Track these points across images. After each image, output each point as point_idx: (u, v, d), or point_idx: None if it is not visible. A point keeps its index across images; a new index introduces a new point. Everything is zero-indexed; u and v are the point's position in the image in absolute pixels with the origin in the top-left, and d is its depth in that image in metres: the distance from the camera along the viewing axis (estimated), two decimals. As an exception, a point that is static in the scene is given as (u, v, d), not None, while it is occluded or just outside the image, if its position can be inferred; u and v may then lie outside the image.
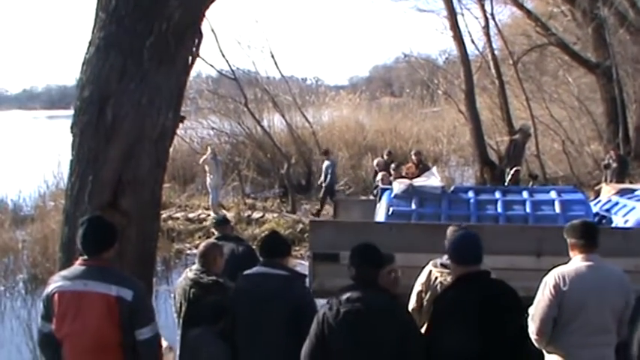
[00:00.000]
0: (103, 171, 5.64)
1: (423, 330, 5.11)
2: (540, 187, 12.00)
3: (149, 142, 5.77)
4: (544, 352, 5.17)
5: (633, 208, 9.51)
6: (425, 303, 5.83)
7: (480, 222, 9.15)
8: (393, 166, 15.31)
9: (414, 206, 9.59)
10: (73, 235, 5.06)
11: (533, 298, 5.13)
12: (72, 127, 5.83)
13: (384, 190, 10.39)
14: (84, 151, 5.71)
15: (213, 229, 8.06)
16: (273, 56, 29.13)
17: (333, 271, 7.32)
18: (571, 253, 5.14)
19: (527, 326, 5.01)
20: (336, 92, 38.52)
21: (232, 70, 24.41)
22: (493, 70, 23.40)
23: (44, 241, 14.24)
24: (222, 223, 7.96)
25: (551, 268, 5.13)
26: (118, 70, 5.59)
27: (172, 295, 6.74)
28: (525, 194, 9.80)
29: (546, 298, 4.98)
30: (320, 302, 5.13)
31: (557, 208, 9.29)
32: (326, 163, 19.68)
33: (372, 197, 14.77)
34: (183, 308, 6.11)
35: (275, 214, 19.31)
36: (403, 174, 14.94)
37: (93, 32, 5.75)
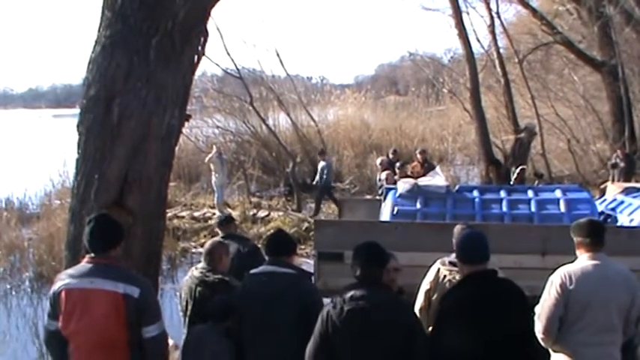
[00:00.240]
0: (109, 169, 5.66)
1: (431, 329, 5.12)
2: (545, 186, 11.96)
3: (155, 141, 5.79)
4: (550, 351, 5.17)
5: (639, 207, 9.50)
6: (433, 302, 5.83)
7: (485, 221, 9.14)
8: (398, 164, 15.30)
9: (419, 205, 9.58)
10: (79, 233, 5.08)
11: (538, 297, 5.12)
12: (78, 126, 5.85)
13: (389, 190, 10.39)
14: (90, 149, 5.73)
15: (217, 229, 8.02)
16: (278, 55, 29.35)
17: (338, 271, 7.33)
18: (577, 252, 5.13)
19: (533, 325, 5.01)
20: (341, 91, 38.45)
21: (238, 69, 24.44)
22: (498, 69, 23.32)
23: (50, 240, 14.26)
24: (225, 222, 7.95)
25: (557, 268, 5.12)
26: (124, 69, 5.60)
27: (178, 294, 6.74)
28: (530, 193, 9.78)
29: (552, 297, 4.97)
30: (325, 301, 5.13)
31: (563, 207, 9.28)
32: (322, 163, 19.59)
33: (377, 197, 14.81)
34: (189, 307, 6.12)
35: (280, 213, 19.32)
36: (408, 173, 14.95)
37: (99, 31, 5.76)
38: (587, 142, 25.38)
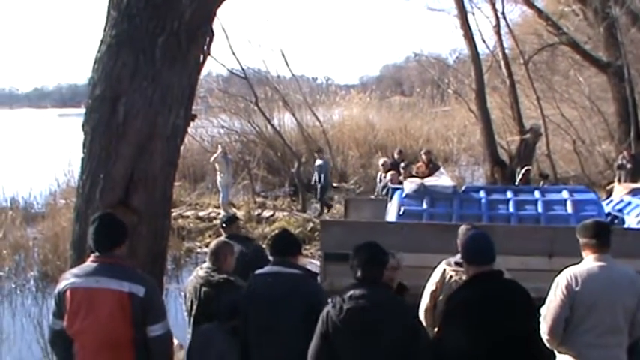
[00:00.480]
0: (115, 169, 5.66)
1: (437, 329, 5.11)
2: (552, 187, 11.92)
3: (160, 141, 5.78)
4: (556, 352, 5.15)
5: (646, 208, 9.48)
6: (439, 302, 5.82)
7: (491, 222, 9.13)
8: (402, 165, 15.28)
9: (425, 206, 9.56)
10: (84, 232, 5.08)
11: (544, 298, 5.12)
12: (83, 125, 5.85)
13: (395, 190, 10.37)
14: (95, 149, 5.73)
15: (220, 229, 8.03)
16: (283, 55, 29.31)
17: (344, 271, 7.31)
18: (583, 253, 5.12)
19: (539, 326, 4.99)
20: (346, 91, 38.49)
21: (243, 69, 24.43)
22: (504, 70, 23.28)
23: (55, 239, 14.28)
24: (229, 222, 7.94)
25: (563, 269, 5.11)
26: (130, 69, 5.60)
27: (183, 294, 6.75)
28: (537, 194, 9.75)
29: (558, 298, 4.96)
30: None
31: (569, 209, 9.25)
32: (319, 162, 19.63)
33: (378, 197, 14.81)
34: (194, 306, 6.12)
35: (285, 213, 19.33)
36: (413, 173, 14.93)
37: (105, 30, 5.76)
38: (592, 143, 25.34)
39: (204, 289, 6.06)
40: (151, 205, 5.84)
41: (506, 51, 24.33)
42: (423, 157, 16.96)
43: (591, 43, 24.81)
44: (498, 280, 4.91)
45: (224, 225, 7.93)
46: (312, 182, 19.86)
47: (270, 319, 5.17)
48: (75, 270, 4.75)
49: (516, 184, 16.64)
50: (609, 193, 12.12)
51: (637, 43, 23.71)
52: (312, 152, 21.71)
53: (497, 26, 23.21)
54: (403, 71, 76.58)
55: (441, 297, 5.79)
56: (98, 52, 5.79)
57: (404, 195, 9.79)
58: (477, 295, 4.77)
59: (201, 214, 19.28)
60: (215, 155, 19.70)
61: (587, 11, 23.14)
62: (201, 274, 6.17)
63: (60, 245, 13.53)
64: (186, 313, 6.38)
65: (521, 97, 24.71)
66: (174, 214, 16.08)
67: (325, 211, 19.27)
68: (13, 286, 13.56)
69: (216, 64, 25.84)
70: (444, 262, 6.07)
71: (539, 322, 5.00)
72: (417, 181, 10.15)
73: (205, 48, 6.06)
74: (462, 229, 6.27)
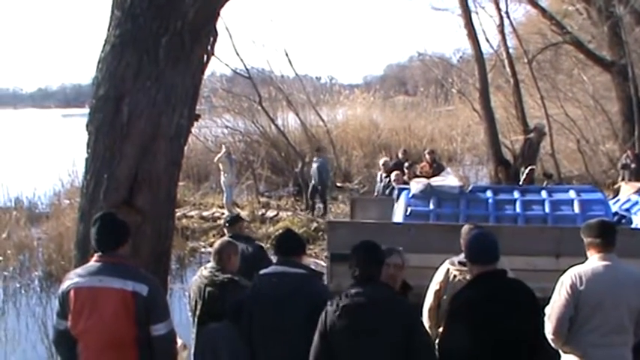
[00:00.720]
0: (119, 169, 5.66)
1: (441, 329, 5.10)
2: (559, 187, 11.88)
3: (164, 140, 5.79)
4: (560, 352, 5.15)
5: (654, 208, 9.46)
6: (443, 302, 5.81)
7: (498, 222, 9.12)
8: (406, 164, 15.27)
9: (432, 206, 9.54)
10: (88, 232, 5.08)
11: (548, 298, 5.11)
12: (87, 125, 5.86)
13: (401, 190, 10.35)
14: (99, 149, 5.74)
15: (224, 229, 8.03)
16: (287, 55, 29.37)
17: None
18: (588, 253, 5.12)
19: (543, 326, 4.99)
20: (350, 91, 38.46)
21: (247, 69, 24.46)
22: (508, 69, 23.28)
23: (59, 239, 14.29)
24: (232, 222, 7.93)
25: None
26: (134, 68, 5.61)
27: (187, 294, 6.75)
28: (544, 194, 9.72)
29: (563, 298, 4.95)
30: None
31: (577, 208, 9.21)
32: (319, 162, 19.50)
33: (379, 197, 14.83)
34: (198, 306, 6.12)
35: (289, 213, 19.30)
36: (417, 173, 14.93)
37: (108, 30, 5.77)
38: (596, 143, 25.29)
39: (208, 288, 6.06)
40: (154, 205, 5.84)
41: (510, 50, 24.38)
42: (427, 156, 16.95)
43: (595, 42, 24.78)
44: (502, 280, 4.90)
45: (227, 225, 7.93)
46: (313, 182, 19.61)
47: (276, 318, 5.17)
48: (78, 270, 4.77)
49: (520, 183, 16.60)
50: (616, 193, 12.07)
51: (641, 42, 23.67)
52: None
53: (501, 25, 23.22)
54: (407, 71, 76.59)
55: (444, 297, 5.79)
56: (102, 52, 5.80)
57: (410, 195, 9.76)
58: (481, 294, 4.76)
59: (205, 213, 19.28)
60: (219, 155, 19.69)
61: (591, 10, 23.11)
62: (206, 274, 6.17)
63: (64, 245, 13.53)
64: (190, 313, 6.38)
65: (525, 97, 24.67)
66: (178, 214, 16.07)
67: (322, 212, 19.12)
68: (18, 286, 13.56)
69: (220, 64, 25.94)
70: (447, 261, 6.07)
71: (543, 322, 4.99)
72: (424, 181, 10.12)
73: (209, 48, 6.06)
74: (465, 228, 6.26)
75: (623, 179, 17.72)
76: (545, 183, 15.82)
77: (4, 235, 15.33)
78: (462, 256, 5.63)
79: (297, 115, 26.51)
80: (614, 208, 10.02)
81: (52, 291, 12.40)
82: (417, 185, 9.88)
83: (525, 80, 25.06)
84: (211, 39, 6.04)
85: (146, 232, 5.79)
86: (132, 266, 4.77)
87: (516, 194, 9.74)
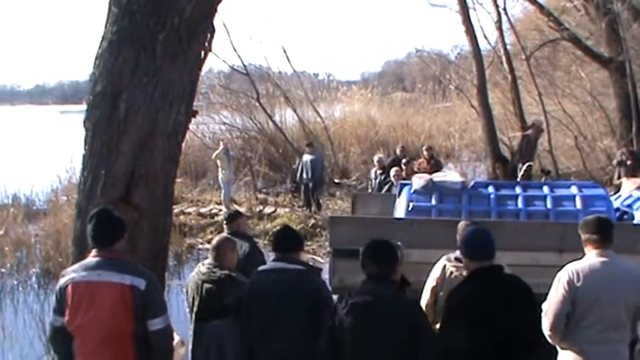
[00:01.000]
0: (116, 165, 5.66)
1: (438, 325, 5.11)
2: (561, 183, 11.87)
3: (162, 137, 5.79)
4: (558, 348, 5.15)
5: (656, 204, 9.46)
6: (439, 298, 5.82)
7: (500, 218, 9.11)
8: (404, 161, 15.27)
9: (434, 202, 9.51)
10: (86, 229, 5.08)
11: (545, 294, 5.12)
12: (85, 122, 5.86)
13: (403, 186, 10.34)
14: (97, 145, 5.74)
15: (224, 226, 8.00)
16: (285, 51, 29.34)
17: (354, 268, 7.31)
18: (585, 249, 5.13)
19: (540, 321, 4.99)
20: (347, 87, 38.32)
21: (244, 65, 24.47)
22: (505, 65, 23.27)
23: (57, 236, 14.27)
24: (230, 219, 7.89)
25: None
26: (131, 65, 5.61)
27: (184, 290, 6.75)
28: (546, 190, 9.71)
29: (560, 294, 4.96)
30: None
31: (579, 204, 9.19)
32: (308, 156, 19.32)
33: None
34: (196, 303, 6.13)
35: (287, 209, 19.29)
36: (415, 169, 14.93)
37: (106, 27, 5.76)
38: (594, 139, 25.28)
39: (205, 285, 6.07)
40: (152, 202, 5.84)
41: (508, 47, 24.33)
42: (425, 153, 17.00)
43: (593, 39, 24.74)
44: (499, 276, 4.91)
45: (226, 221, 7.92)
46: (305, 177, 19.22)
47: (275, 314, 5.19)
48: (76, 266, 4.78)
49: (518, 180, 16.61)
50: (618, 189, 12.07)
51: (639, 39, 23.64)
52: (315, 149, 21.50)
53: (499, 22, 23.22)
54: (405, 67, 76.51)
55: (441, 293, 5.80)
56: (99, 48, 5.80)
57: (412, 191, 9.76)
58: (478, 291, 4.77)
59: (202, 210, 19.27)
60: (217, 151, 19.68)
61: (589, 7, 23.06)
62: (203, 271, 6.17)
63: (62, 242, 13.51)
64: (187, 310, 6.38)
65: (523, 93, 24.67)
66: (175, 211, 16.04)
67: (314, 209, 18.97)
68: (15, 283, 13.55)
69: (218, 60, 25.92)
70: (444, 257, 6.08)
71: (540, 318, 5.00)
72: (426, 176, 10.09)
73: (206, 44, 6.06)
74: (462, 224, 6.28)
75: (619, 176, 17.75)
76: (543, 179, 15.84)
77: (1, 232, 15.28)
78: (458, 253, 5.63)
79: (295, 111, 26.52)
80: (616, 204, 10.01)
81: (50, 288, 12.38)
82: (418, 181, 9.87)
83: (523, 77, 25.05)
84: (208, 35, 6.03)
85: (143, 229, 5.79)
86: (129, 261, 4.79)
87: (518, 190, 9.71)
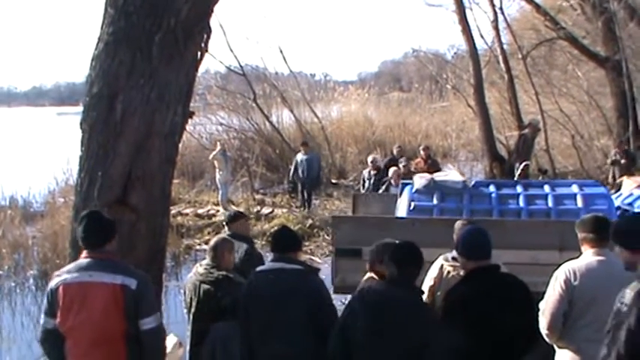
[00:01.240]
0: (113, 167, 5.65)
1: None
2: (562, 181, 11.88)
3: (158, 138, 5.78)
4: (555, 347, 5.16)
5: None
6: (437, 297, 5.82)
7: (502, 216, 9.12)
8: (401, 161, 15.26)
9: (435, 201, 9.53)
10: (83, 231, 5.09)
11: (543, 293, 5.12)
12: (81, 123, 5.85)
13: (404, 185, 10.36)
14: (93, 147, 5.73)
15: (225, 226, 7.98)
16: (281, 52, 29.51)
17: (356, 267, 7.30)
18: (582, 248, 5.13)
19: (537, 320, 5.00)
20: (344, 87, 38.35)
21: (241, 66, 24.48)
22: (502, 65, 23.31)
23: (54, 237, 14.26)
24: (230, 220, 7.87)
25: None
26: (127, 66, 5.60)
27: (182, 291, 6.75)
28: (547, 188, 9.72)
29: (557, 293, 4.96)
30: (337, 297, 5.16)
31: (580, 202, 9.20)
32: (301, 156, 19.17)
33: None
34: (194, 303, 6.14)
35: (284, 210, 19.28)
36: (412, 169, 14.94)
37: (102, 28, 5.76)
38: (591, 138, 25.30)
39: (203, 286, 6.08)
40: (149, 203, 5.84)
41: (505, 46, 24.38)
42: (422, 152, 17.02)
43: (589, 38, 24.79)
44: (496, 275, 4.92)
45: (226, 222, 7.91)
46: (301, 176, 19.08)
47: (274, 315, 5.20)
48: (68, 267, 4.81)
49: (515, 179, 16.63)
50: (618, 187, 12.10)
51: (635, 38, 23.67)
52: (312, 149, 21.44)
53: (496, 21, 23.24)
54: (401, 67, 76.65)
55: (439, 292, 5.80)
56: (95, 50, 5.79)
57: (414, 190, 9.77)
58: (474, 290, 4.78)
59: (200, 211, 19.23)
60: (214, 152, 19.67)
61: (586, 6, 23.12)
62: (201, 271, 6.18)
63: (59, 244, 13.52)
64: (185, 310, 6.38)
65: (520, 92, 24.71)
66: (173, 212, 16.04)
67: (306, 209, 18.88)
68: (13, 284, 13.54)
69: (214, 61, 25.83)
70: (441, 257, 6.09)
71: (537, 316, 5.00)
72: (427, 176, 10.12)
73: (203, 45, 6.05)
74: (458, 223, 6.30)
75: (613, 175, 17.81)
76: (540, 178, 15.85)
77: (-2, 234, 15.31)
78: (455, 252, 5.64)
79: (292, 111, 26.54)
80: (617, 203, 10.03)
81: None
82: (420, 180, 9.89)
83: (520, 76, 25.08)
84: (205, 36, 6.03)
85: (141, 230, 5.79)
86: (120, 261, 4.81)
87: (519, 189, 9.73)
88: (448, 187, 9.73)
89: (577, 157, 23.70)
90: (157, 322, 4.74)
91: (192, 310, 6.16)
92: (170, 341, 7.55)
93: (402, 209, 9.80)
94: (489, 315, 4.62)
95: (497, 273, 4.94)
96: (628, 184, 11.08)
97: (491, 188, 9.76)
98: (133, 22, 5.57)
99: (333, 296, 6.37)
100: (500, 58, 23.31)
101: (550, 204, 9.30)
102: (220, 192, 19.39)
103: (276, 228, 8.63)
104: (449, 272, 5.86)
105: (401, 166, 14.57)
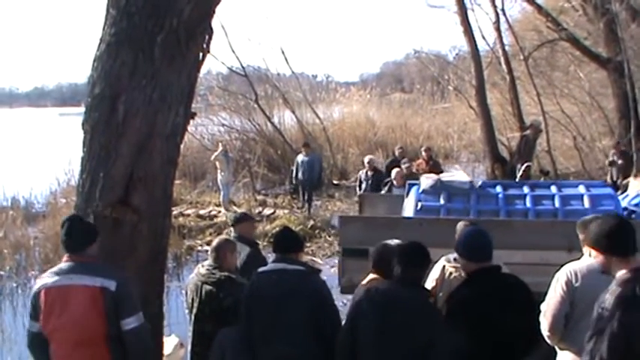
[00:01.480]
0: (114, 168, 5.64)
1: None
2: (568, 182, 11.89)
3: (160, 139, 5.77)
4: (557, 348, 5.15)
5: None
6: (439, 299, 5.82)
7: (509, 217, 9.13)
8: (403, 162, 15.26)
9: (442, 201, 9.55)
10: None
11: (544, 294, 5.12)
12: (83, 124, 5.84)
13: (411, 186, 10.38)
14: (95, 147, 5.72)
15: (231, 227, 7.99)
16: (283, 53, 29.59)
17: (363, 267, 7.31)
18: (583, 249, 5.13)
19: (539, 321, 4.99)
20: (346, 88, 38.40)
21: (243, 67, 24.52)
22: (504, 66, 23.33)
23: (56, 238, 14.20)
24: (235, 221, 7.84)
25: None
26: (129, 67, 5.59)
27: (184, 292, 6.75)
28: (554, 189, 9.73)
29: (558, 295, 4.95)
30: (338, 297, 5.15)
31: (587, 203, 9.21)
32: (302, 157, 19.18)
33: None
34: (195, 304, 6.13)
35: (286, 211, 19.28)
36: (414, 170, 14.95)
37: (104, 29, 5.75)
38: (592, 139, 25.30)
39: (205, 286, 6.08)
40: (151, 204, 5.83)
41: (506, 47, 24.39)
42: (424, 153, 17.01)
43: (591, 39, 24.78)
44: (497, 277, 4.92)
45: (232, 224, 7.91)
46: (302, 177, 19.10)
47: (276, 316, 5.20)
48: (50, 271, 4.89)
49: (517, 180, 16.62)
50: (625, 188, 12.10)
51: (637, 39, 23.63)
52: (314, 150, 21.42)
53: (497, 22, 23.26)
54: (403, 68, 76.69)
55: (440, 294, 5.80)
56: (97, 50, 5.78)
57: (421, 190, 9.78)
58: (476, 292, 4.78)
59: (201, 212, 19.23)
60: (216, 153, 19.67)
61: (587, 7, 23.11)
62: (203, 272, 6.18)
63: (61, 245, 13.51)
64: (187, 311, 6.38)
65: (522, 94, 24.73)
66: (174, 213, 16.07)
67: (307, 211, 18.92)
68: (15, 285, 13.55)
69: (216, 62, 25.91)
70: (443, 258, 6.08)
71: (539, 318, 5.00)
72: (434, 176, 10.14)
73: (205, 46, 6.04)
74: (460, 224, 6.29)
75: (612, 177, 17.82)
76: (542, 180, 15.83)
77: (0, 235, 15.32)
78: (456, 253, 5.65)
79: (294, 112, 26.57)
80: (624, 204, 10.03)
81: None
82: (427, 181, 9.91)
83: (521, 77, 25.10)
84: (207, 37, 6.02)
85: (142, 231, 5.78)
86: (100, 264, 4.87)
87: (526, 189, 9.74)
88: (455, 187, 9.76)
89: (579, 159, 23.70)
90: (138, 322, 4.78)
91: (194, 310, 6.16)
92: (171, 342, 7.57)
93: (409, 209, 9.82)
94: (490, 316, 4.62)
95: (498, 274, 4.94)
96: (635, 185, 11.08)
97: (498, 189, 9.77)
98: (135, 23, 5.56)
99: (337, 297, 6.37)
100: (502, 59, 23.33)
101: (557, 204, 9.31)
102: (222, 193, 19.41)
103: (277, 229, 8.64)
104: (451, 273, 5.85)
105: (403, 167, 14.57)
